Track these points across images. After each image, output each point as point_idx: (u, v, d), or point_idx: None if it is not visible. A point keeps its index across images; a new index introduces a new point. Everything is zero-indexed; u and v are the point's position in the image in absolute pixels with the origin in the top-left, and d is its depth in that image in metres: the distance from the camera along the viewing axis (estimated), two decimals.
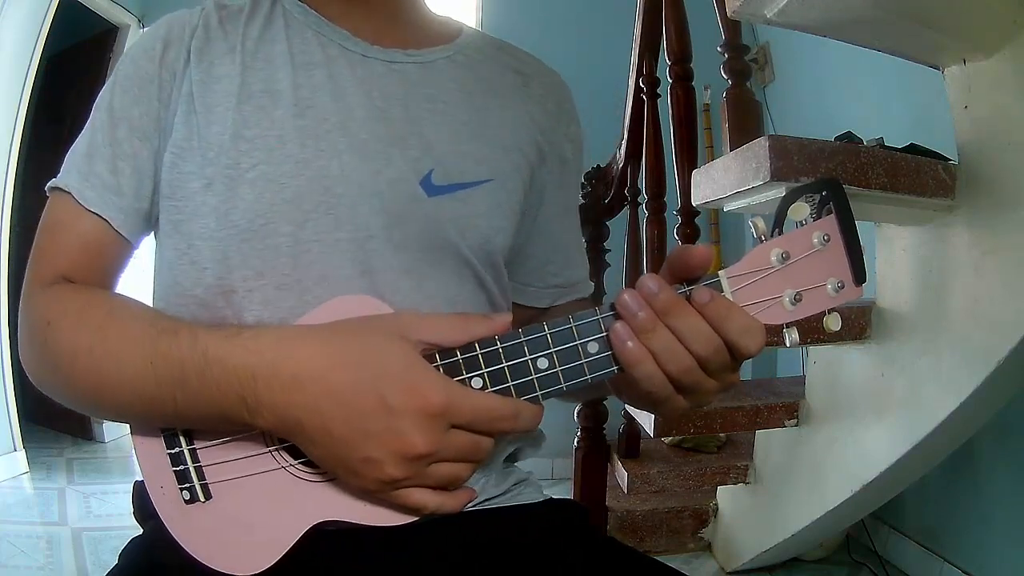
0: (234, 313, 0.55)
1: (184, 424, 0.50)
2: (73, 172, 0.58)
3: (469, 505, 0.52)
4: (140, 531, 0.61)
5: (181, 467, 0.50)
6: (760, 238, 0.47)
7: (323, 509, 0.49)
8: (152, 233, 0.62)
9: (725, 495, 1.84)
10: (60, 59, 3.19)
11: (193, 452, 0.50)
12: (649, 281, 0.45)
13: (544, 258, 0.71)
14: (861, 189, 1.04)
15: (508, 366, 0.47)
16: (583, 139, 0.73)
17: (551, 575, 0.57)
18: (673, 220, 1.58)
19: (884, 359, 1.28)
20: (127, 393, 0.48)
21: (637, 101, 1.83)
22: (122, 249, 0.59)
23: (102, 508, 2.29)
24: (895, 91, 1.85)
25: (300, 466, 0.50)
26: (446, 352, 0.47)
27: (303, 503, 0.49)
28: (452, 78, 0.64)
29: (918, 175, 1.08)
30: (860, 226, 0.48)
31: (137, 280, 0.65)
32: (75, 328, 0.51)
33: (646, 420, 1.41)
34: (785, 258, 0.46)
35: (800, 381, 1.58)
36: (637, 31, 1.82)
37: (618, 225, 2.01)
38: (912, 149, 1.14)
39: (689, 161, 1.50)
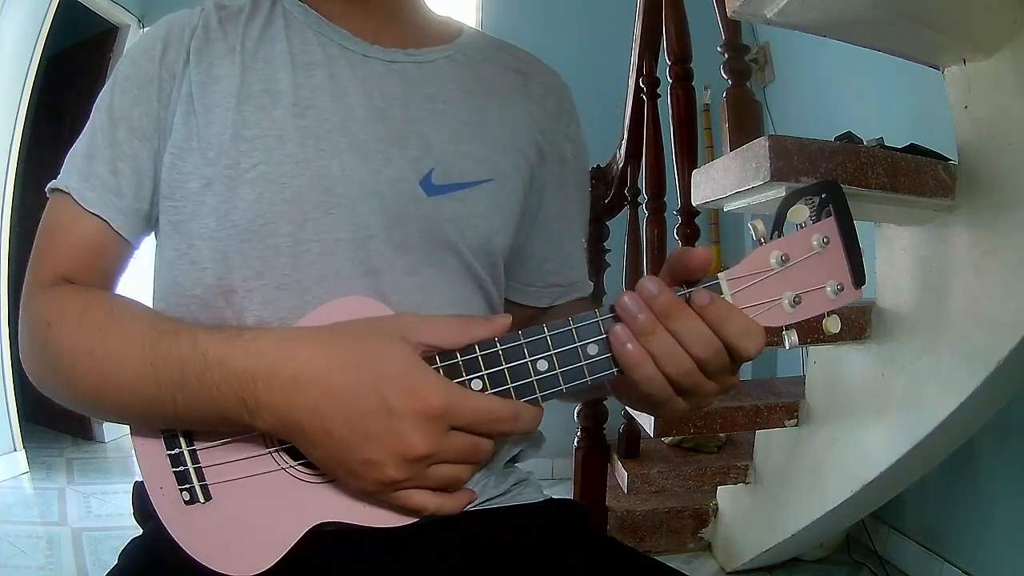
0: (234, 313, 0.55)
1: (184, 425, 0.50)
2: (73, 173, 0.58)
3: (469, 505, 0.52)
4: (140, 531, 0.61)
5: (181, 468, 0.50)
6: (759, 240, 0.47)
7: (323, 510, 0.49)
8: (152, 234, 0.62)
9: (725, 495, 1.84)
10: (60, 59, 3.19)
11: (193, 453, 0.50)
12: (649, 283, 0.45)
13: (543, 257, 0.71)
14: (861, 189, 1.04)
15: (508, 368, 0.47)
16: (583, 139, 0.73)
17: (551, 575, 0.57)
18: (673, 220, 1.58)
19: (884, 359, 1.28)
20: (127, 394, 0.48)
21: (637, 101, 1.82)
22: (122, 250, 0.59)
23: (102, 508, 2.29)
24: (895, 91, 1.85)
25: (300, 467, 0.50)
26: (446, 354, 0.47)
27: (303, 504, 0.49)
28: (452, 78, 0.64)
29: (918, 175, 1.08)
30: (860, 226, 0.48)
31: (137, 280, 0.65)
32: (75, 329, 0.51)
33: (646, 420, 1.41)
34: (784, 260, 0.46)
35: (800, 381, 1.58)
36: (637, 31, 1.82)
37: (618, 225, 2.01)
38: (912, 149, 1.14)
39: (689, 161, 1.50)
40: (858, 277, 0.47)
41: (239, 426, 0.47)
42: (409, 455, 0.44)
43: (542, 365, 0.47)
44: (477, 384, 0.47)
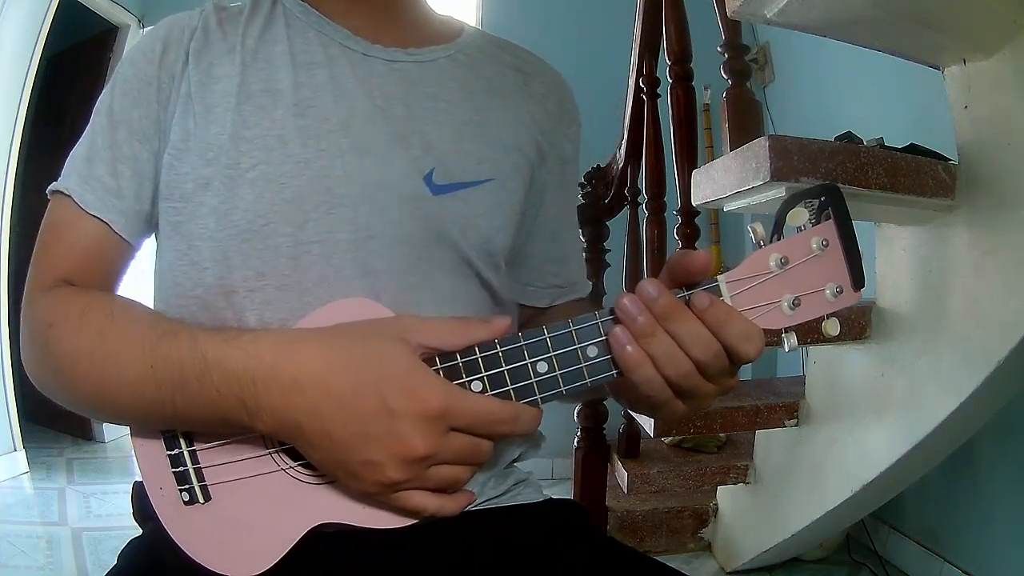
0: (235, 314, 0.55)
1: (184, 427, 0.50)
2: (73, 175, 0.58)
3: (469, 506, 0.52)
4: (140, 532, 0.61)
5: (181, 468, 0.50)
6: (759, 243, 0.47)
7: (322, 511, 0.49)
8: (153, 235, 0.62)
9: (725, 495, 1.84)
10: (60, 59, 3.19)
11: (193, 454, 0.50)
12: (648, 286, 0.45)
13: (543, 258, 0.71)
14: (861, 189, 1.04)
15: (508, 370, 0.47)
16: (581, 139, 0.73)
17: (551, 575, 0.57)
18: (673, 220, 1.58)
19: (884, 359, 1.28)
20: (127, 396, 0.48)
21: (637, 101, 1.82)
22: (123, 251, 0.59)
23: (102, 508, 2.29)
24: (895, 91, 1.85)
25: (299, 468, 0.50)
26: (446, 356, 0.47)
27: (302, 505, 0.49)
28: (453, 77, 0.64)
29: (918, 175, 1.08)
30: (860, 226, 0.48)
31: (138, 281, 0.65)
32: (76, 331, 0.51)
33: (646, 420, 1.41)
34: (784, 263, 0.46)
35: (800, 381, 1.58)
36: (637, 31, 1.82)
37: (618, 225, 2.01)
38: (912, 149, 1.14)
39: (689, 161, 1.50)
40: (857, 280, 0.47)
41: (239, 428, 0.47)
42: (409, 456, 0.44)
43: (542, 367, 0.47)
44: (477, 386, 0.47)
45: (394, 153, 0.58)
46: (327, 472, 0.48)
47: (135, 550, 0.58)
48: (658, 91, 1.73)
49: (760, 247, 0.47)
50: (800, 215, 0.47)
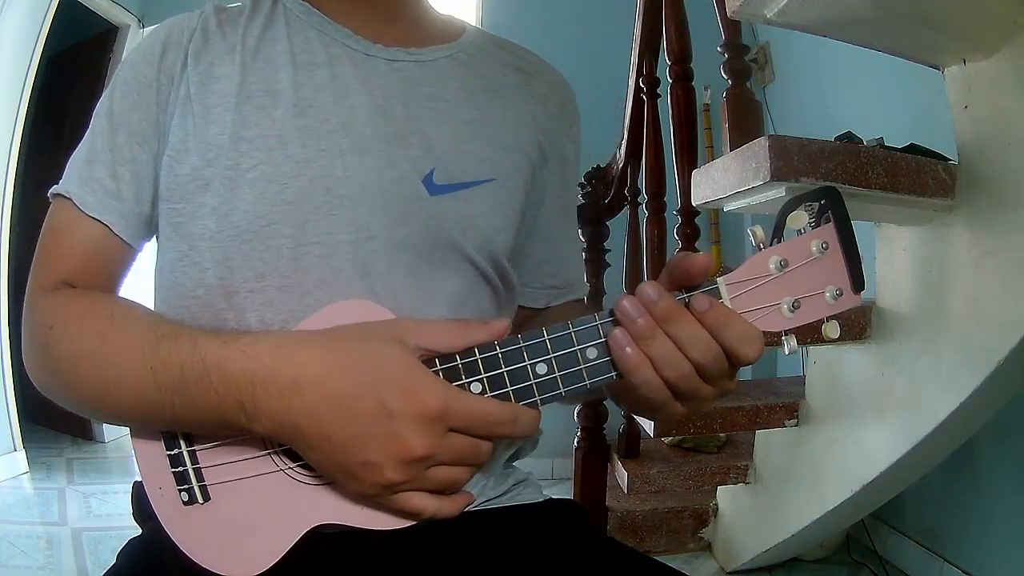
0: (236, 315, 0.55)
1: (184, 429, 0.50)
2: (74, 178, 0.58)
3: (469, 506, 0.52)
4: (140, 532, 0.61)
5: (180, 469, 0.50)
6: (759, 246, 0.47)
7: (321, 512, 0.49)
8: (154, 237, 0.62)
9: (725, 495, 1.84)
10: (60, 59, 3.19)
11: (192, 454, 0.50)
12: (648, 288, 0.45)
13: (541, 258, 0.71)
14: (861, 189, 1.04)
15: (507, 371, 0.47)
16: (581, 139, 0.73)
17: (551, 575, 0.57)
18: (673, 220, 1.58)
19: (884, 359, 1.28)
20: (127, 398, 0.48)
21: (637, 101, 1.82)
22: (124, 253, 0.59)
23: (102, 508, 2.29)
24: (895, 91, 1.85)
25: (298, 469, 0.50)
26: (445, 357, 0.47)
27: (301, 506, 0.49)
28: (454, 77, 0.64)
29: (918, 175, 1.08)
30: (860, 226, 0.48)
31: (138, 281, 0.65)
32: (76, 333, 0.51)
33: (646, 420, 1.42)
34: (784, 266, 0.47)
35: (800, 381, 1.58)
36: (637, 31, 1.82)
37: (618, 225, 2.00)
38: (912, 149, 1.14)
39: (689, 161, 1.50)
40: (857, 283, 0.47)
41: (237, 430, 0.47)
42: (408, 457, 0.44)
43: (541, 368, 0.47)
44: (476, 387, 0.47)
45: (395, 153, 0.58)
46: (326, 474, 0.48)
47: (134, 550, 0.58)
48: (658, 91, 1.73)
49: (760, 250, 0.47)
50: (800, 218, 0.47)
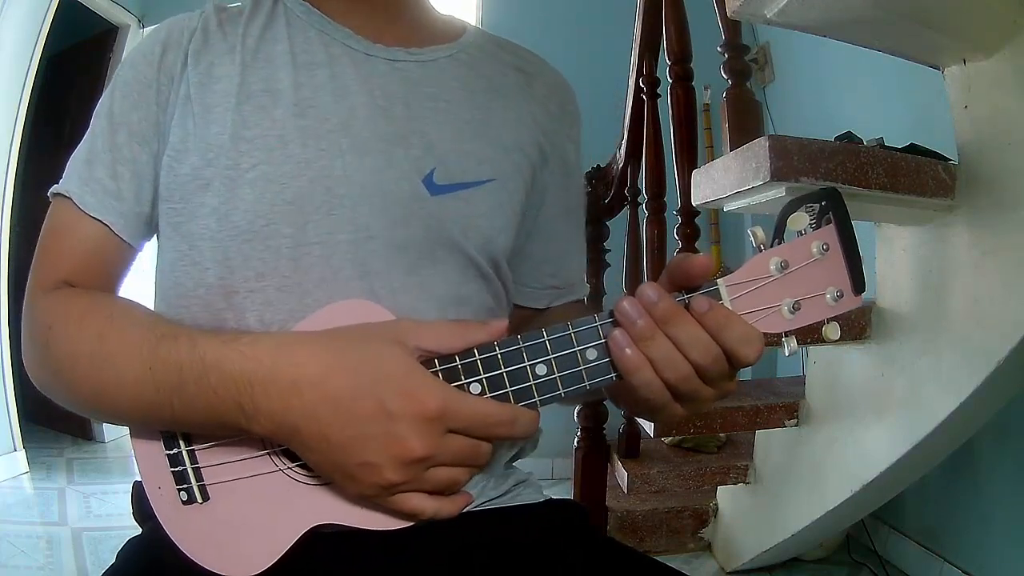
0: (235, 315, 0.55)
1: (183, 429, 0.50)
2: (74, 178, 0.58)
3: (469, 506, 0.52)
4: (139, 532, 0.61)
5: (179, 468, 0.50)
6: (759, 247, 0.47)
7: (320, 513, 0.49)
8: (155, 236, 0.62)
9: (725, 495, 1.84)
10: (60, 59, 3.19)
11: (191, 453, 0.50)
12: (648, 289, 0.45)
13: (541, 259, 0.71)
14: (861, 189, 1.04)
15: (506, 372, 0.47)
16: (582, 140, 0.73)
17: (551, 575, 0.57)
18: (673, 220, 1.58)
19: (884, 359, 1.28)
20: (126, 398, 0.48)
21: (637, 101, 1.82)
22: (124, 253, 0.59)
23: (102, 508, 2.29)
24: (895, 91, 1.85)
25: (297, 469, 0.50)
26: (445, 358, 0.47)
27: (300, 506, 0.49)
28: (455, 77, 0.64)
29: (918, 175, 1.08)
30: (860, 226, 0.48)
31: (139, 281, 0.65)
32: (76, 333, 0.51)
33: (646, 421, 1.41)
34: (784, 267, 0.46)
35: (800, 381, 1.58)
36: (637, 31, 1.82)
37: (618, 225, 2.01)
38: (912, 149, 1.14)
39: (689, 161, 1.50)
40: (858, 284, 0.47)
41: (236, 430, 0.47)
42: (407, 458, 0.44)
43: (541, 369, 0.47)
44: (476, 388, 0.47)
45: (395, 153, 0.58)
46: (324, 475, 0.48)
47: (133, 549, 0.58)
48: (658, 91, 1.73)
49: (761, 251, 0.47)
50: (801, 219, 0.47)
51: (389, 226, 0.56)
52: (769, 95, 2.64)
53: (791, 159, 1.00)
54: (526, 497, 0.64)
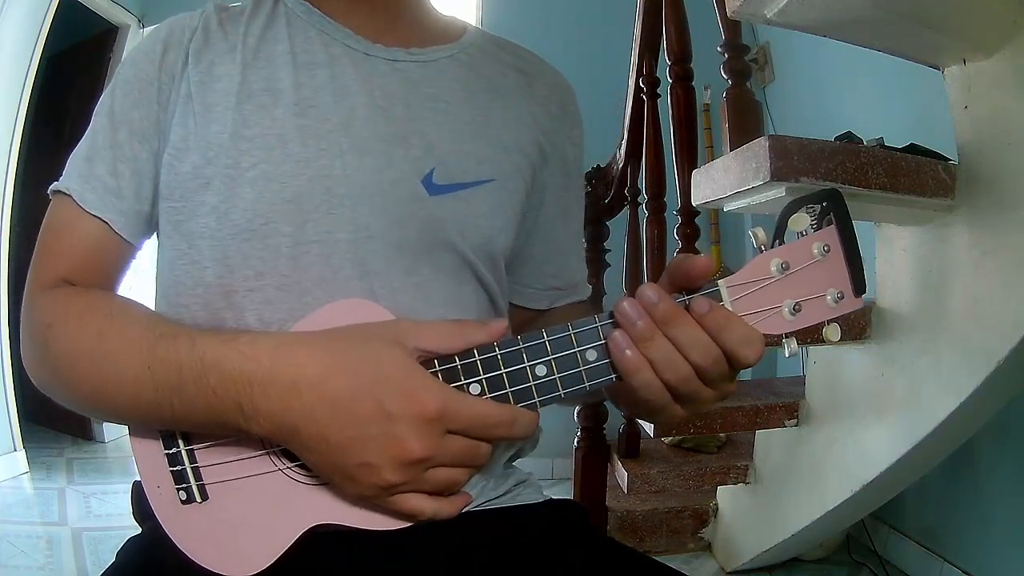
0: (234, 314, 0.55)
1: (182, 428, 0.50)
2: (74, 175, 0.58)
3: (469, 506, 0.52)
4: (139, 531, 0.61)
5: (178, 467, 0.50)
6: (760, 248, 0.47)
7: (319, 512, 0.49)
8: (154, 234, 0.62)
9: (725, 495, 1.84)
10: (60, 59, 3.19)
11: (191, 453, 0.50)
12: (648, 290, 0.45)
13: (542, 259, 0.71)
14: (861, 189, 1.04)
15: (506, 372, 0.47)
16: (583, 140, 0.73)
17: (551, 575, 0.57)
18: (673, 220, 1.58)
19: (884, 359, 1.28)
20: (125, 397, 0.48)
21: (637, 101, 1.82)
22: (123, 251, 0.59)
23: (102, 508, 2.29)
24: (895, 91, 1.85)
25: (296, 469, 0.50)
26: (444, 358, 0.47)
27: (299, 506, 0.49)
28: (455, 77, 0.64)
29: (918, 175, 1.08)
30: (860, 226, 0.48)
31: (138, 281, 0.65)
32: (75, 331, 0.51)
33: (646, 421, 1.41)
34: (785, 268, 0.46)
35: (800, 381, 1.58)
36: (637, 31, 1.82)
37: (618, 225, 2.01)
38: (912, 149, 1.14)
39: (689, 161, 1.50)
40: (859, 286, 0.47)
41: (235, 430, 0.47)
42: (406, 458, 0.44)
43: (540, 370, 0.47)
44: (475, 388, 0.47)
45: (394, 153, 0.58)
46: (323, 475, 0.48)
47: (133, 548, 0.58)
48: (658, 91, 1.73)
49: (761, 252, 0.47)
50: (802, 220, 0.47)
51: (388, 226, 0.56)
52: (769, 95, 2.64)
53: (791, 159, 1.00)
54: (526, 497, 0.64)
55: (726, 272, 0.48)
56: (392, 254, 0.56)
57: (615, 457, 1.83)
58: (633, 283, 1.88)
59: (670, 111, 1.55)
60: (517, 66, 0.69)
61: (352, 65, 0.60)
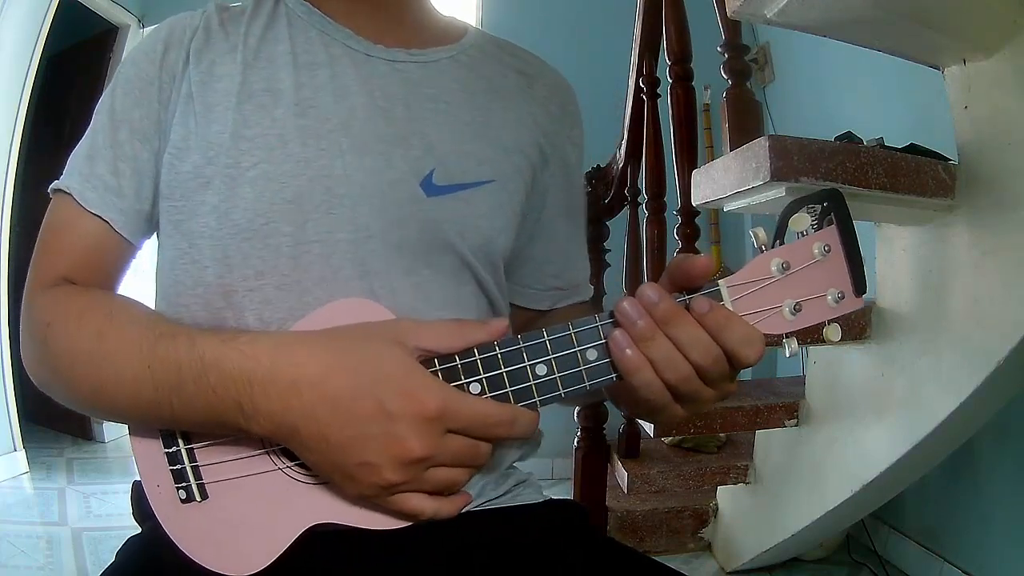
0: (234, 314, 0.55)
1: (182, 427, 0.50)
2: (74, 174, 0.58)
3: (469, 506, 0.52)
4: (139, 531, 0.61)
5: (178, 466, 0.50)
6: (761, 248, 0.47)
7: (318, 512, 0.49)
8: (154, 234, 0.62)
9: (725, 495, 1.84)
10: (60, 59, 3.19)
11: (190, 452, 0.50)
12: (649, 290, 0.45)
13: (543, 260, 0.71)
14: (861, 189, 1.04)
15: (506, 372, 0.47)
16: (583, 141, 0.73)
17: (551, 575, 0.57)
18: (673, 220, 1.58)
19: (884, 359, 1.28)
20: (125, 396, 0.48)
21: (637, 101, 1.82)
22: (124, 250, 0.59)
23: (102, 508, 2.29)
24: (895, 91, 1.85)
25: (296, 468, 0.50)
26: (445, 358, 0.47)
27: (299, 505, 0.49)
28: (455, 78, 0.64)
29: (918, 175, 1.08)
30: (860, 226, 0.48)
31: (139, 280, 0.65)
32: (75, 331, 0.51)
33: (646, 421, 1.41)
34: (785, 268, 0.46)
35: (800, 381, 1.58)
36: (637, 31, 1.82)
37: (618, 225, 2.01)
38: (912, 149, 1.14)
39: (689, 161, 1.50)
40: (859, 286, 0.47)
41: (235, 430, 0.47)
42: (406, 458, 0.44)
43: (541, 369, 0.47)
44: (475, 388, 0.47)
45: (394, 153, 0.58)
46: (323, 475, 0.48)
47: (133, 548, 0.58)
48: (658, 91, 1.73)
49: (762, 252, 0.47)
50: (802, 220, 0.47)
51: (388, 226, 0.56)
52: (769, 95, 2.64)
53: (791, 159, 1.00)
54: (526, 497, 0.64)
55: (726, 272, 0.48)
56: (392, 254, 0.56)
57: (615, 457, 1.83)
58: (633, 283, 1.88)
59: (670, 111, 1.55)
60: (517, 67, 0.69)
61: (352, 66, 0.60)
